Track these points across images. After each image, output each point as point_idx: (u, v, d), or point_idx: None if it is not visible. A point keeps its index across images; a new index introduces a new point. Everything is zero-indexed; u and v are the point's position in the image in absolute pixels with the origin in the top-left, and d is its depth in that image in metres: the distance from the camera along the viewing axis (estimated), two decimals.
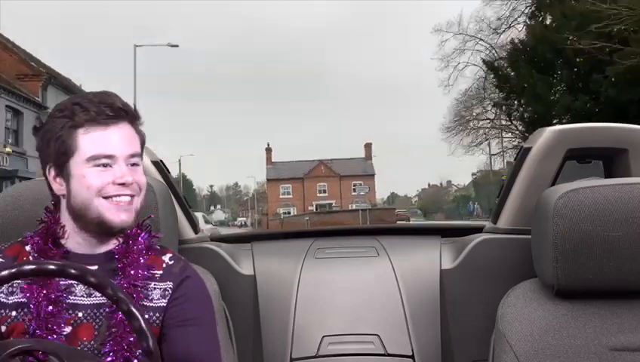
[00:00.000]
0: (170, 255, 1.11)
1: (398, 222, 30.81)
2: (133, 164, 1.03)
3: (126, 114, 1.03)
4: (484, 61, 18.70)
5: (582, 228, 1.07)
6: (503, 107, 18.72)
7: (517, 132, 19.09)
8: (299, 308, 1.48)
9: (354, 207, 35.80)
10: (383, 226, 3.81)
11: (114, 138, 1.00)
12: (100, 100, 1.01)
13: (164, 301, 1.04)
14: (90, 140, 0.99)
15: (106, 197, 0.99)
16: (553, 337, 1.08)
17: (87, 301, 1.01)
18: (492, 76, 18.17)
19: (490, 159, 26.34)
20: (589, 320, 1.10)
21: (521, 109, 17.35)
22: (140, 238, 1.07)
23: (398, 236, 1.80)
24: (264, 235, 1.99)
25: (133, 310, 0.84)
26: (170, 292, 1.05)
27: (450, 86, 21.49)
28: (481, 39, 21.34)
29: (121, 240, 1.06)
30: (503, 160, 23.91)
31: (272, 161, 54.96)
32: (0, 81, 16.88)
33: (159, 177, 1.46)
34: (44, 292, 0.99)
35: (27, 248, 1.05)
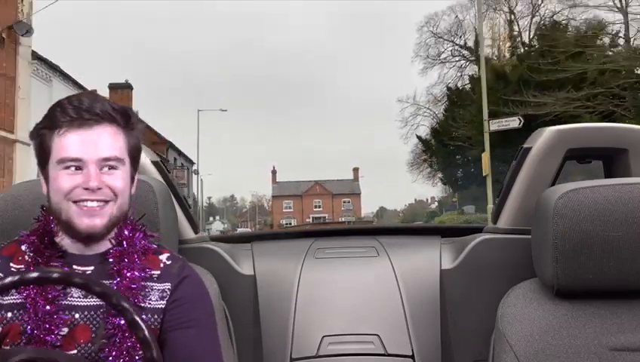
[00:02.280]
0: (168, 254, 1.09)
1: None
2: (110, 168, 1.00)
3: (106, 117, 1.00)
4: (417, 136, 31.01)
5: (582, 228, 1.07)
6: (429, 161, 31.13)
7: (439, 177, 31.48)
8: (299, 308, 1.48)
9: (342, 219, 47.11)
10: (383, 226, 3.96)
11: (85, 141, 0.98)
12: (79, 103, 0.99)
13: (163, 302, 1.03)
14: (62, 143, 0.98)
15: (75, 201, 0.98)
16: (553, 337, 1.08)
17: (83, 302, 1.00)
18: (421, 144, 30.55)
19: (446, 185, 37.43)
20: (589, 320, 1.09)
21: (436, 165, 29.81)
22: (135, 239, 1.05)
23: (398, 236, 1.80)
24: (264, 235, 2.00)
25: (138, 320, 0.83)
26: (169, 293, 1.04)
27: (407, 139, 31.47)
28: (428, 108, 33.36)
29: (114, 241, 1.04)
30: (445, 190, 36.04)
31: (277, 181, 66.74)
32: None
33: (159, 177, 1.45)
34: (42, 292, 0.97)
35: (23, 247, 1.03)
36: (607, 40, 17.80)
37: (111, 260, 1.03)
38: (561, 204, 1.09)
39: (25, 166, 13.17)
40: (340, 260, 1.58)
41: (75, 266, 1.02)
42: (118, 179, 1.01)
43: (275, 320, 1.47)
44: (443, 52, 30.15)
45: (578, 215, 1.08)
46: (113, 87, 28.39)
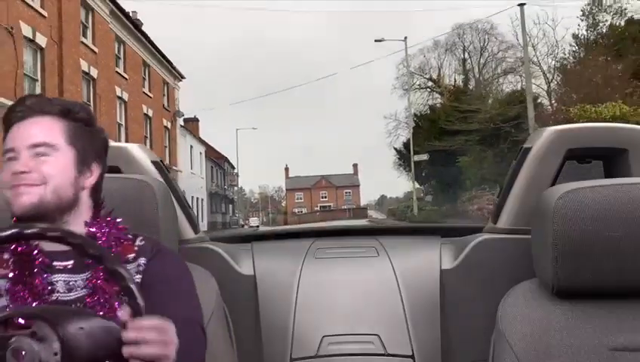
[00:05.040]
0: (141, 237, 1.12)
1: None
2: (40, 155, 1.04)
3: (38, 110, 1.06)
4: (394, 147, 43.56)
5: (582, 228, 1.06)
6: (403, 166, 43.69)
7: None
8: (299, 308, 1.48)
9: (344, 206, 60.81)
10: (383, 226, 3.85)
11: (18, 131, 1.05)
12: (22, 102, 1.08)
13: (139, 276, 1.05)
14: (6, 137, 1.06)
15: (12, 188, 1.02)
16: (553, 337, 1.07)
17: (70, 296, 1.02)
18: (396, 152, 43.17)
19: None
20: (589, 320, 1.09)
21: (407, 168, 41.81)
22: (104, 231, 1.08)
23: (398, 236, 1.80)
24: (264, 235, 2.00)
25: (132, 287, 0.83)
26: (144, 266, 1.07)
27: (391, 147, 37.78)
28: (406, 123, 45.01)
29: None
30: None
31: (289, 176, 79.68)
32: (212, 158, 42.09)
33: (159, 177, 1.45)
34: (30, 288, 0.99)
35: (5, 256, 1.04)
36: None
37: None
38: (561, 204, 1.08)
39: (180, 187, 26.94)
40: (339, 260, 1.58)
41: (55, 262, 1.04)
42: (49, 164, 1.04)
43: (275, 320, 1.47)
44: (414, 83, 38.41)
45: (578, 215, 1.07)
46: (186, 120, 41.25)
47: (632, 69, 19.06)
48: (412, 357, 1.41)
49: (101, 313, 0.98)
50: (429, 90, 41.13)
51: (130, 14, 22.34)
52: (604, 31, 23.05)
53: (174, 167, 26.82)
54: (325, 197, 77.30)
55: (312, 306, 1.48)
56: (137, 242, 1.11)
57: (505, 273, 1.39)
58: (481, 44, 37.58)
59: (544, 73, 26.19)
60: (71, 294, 1.02)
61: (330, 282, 1.52)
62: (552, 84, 25.35)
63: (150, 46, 24.19)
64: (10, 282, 1.00)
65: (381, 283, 1.51)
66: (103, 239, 1.07)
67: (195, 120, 41.71)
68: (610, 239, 1.06)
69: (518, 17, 18.51)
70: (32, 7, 14.54)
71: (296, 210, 73.96)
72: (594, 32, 23.66)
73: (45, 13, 15.14)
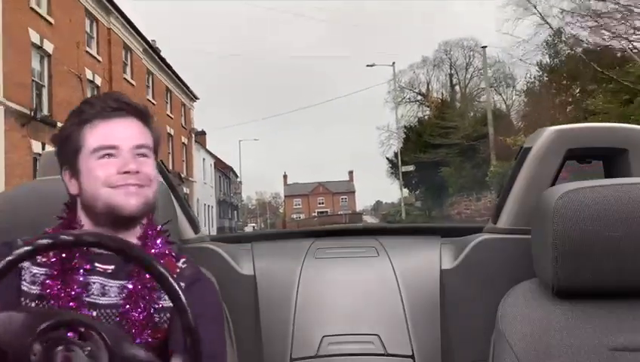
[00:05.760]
0: (184, 259, 1.11)
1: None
2: (141, 155, 1.03)
3: (132, 109, 1.05)
4: (386, 157, 47.00)
5: (582, 228, 1.06)
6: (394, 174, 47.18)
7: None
8: (299, 308, 1.48)
9: (341, 212, 63.76)
10: (382, 226, 4.01)
11: (117, 129, 1.02)
12: (105, 97, 1.04)
13: None
14: (94, 133, 1.02)
15: (113, 187, 1.00)
16: (553, 337, 1.08)
17: (102, 300, 1.01)
18: (388, 162, 46.58)
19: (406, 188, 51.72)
20: (589, 320, 1.09)
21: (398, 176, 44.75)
22: (157, 242, 1.07)
23: (398, 236, 1.81)
24: (264, 235, 2.00)
25: (175, 287, 0.82)
26: None
27: (383, 155, 41.37)
28: (397, 133, 47.24)
29: (139, 242, 1.06)
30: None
31: (288, 183, 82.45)
32: (219, 168, 43.97)
33: (159, 177, 1.43)
34: (67, 289, 0.98)
35: None
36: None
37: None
38: (561, 204, 1.09)
39: (195, 195, 30.01)
40: (339, 260, 1.59)
41: (97, 264, 1.03)
42: (151, 166, 1.05)
43: (275, 321, 1.48)
44: (404, 97, 41.77)
45: (578, 215, 1.07)
46: (195, 133, 45.21)
47: (567, 99, 22.36)
48: (412, 357, 1.42)
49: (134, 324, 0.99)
50: (418, 103, 44.33)
51: (150, 42, 25.79)
52: (564, 59, 26.69)
53: (190, 178, 30.40)
54: (322, 203, 78.98)
55: (312, 306, 1.49)
56: (180, 264, 1.10)
57: (505, 273, 1.39)
58: (467, 60, 40.86)
59: (504, 101, 30.11)
60: (103, 299, 1.01)
61: (330, 282, 1.53)
62: (511, 110, 29.35)
63: (171, 73, 27.78)
64: (49, 274, 1.00)
65: (381, 283, 1.51)
66: (157, 248, 1.07)
67: (203, 133, 45.09)
68: (610, 239, 1.06)
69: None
70: (92, 56, 18.35)
71: (294, 216, 75.91)
72: (555, 59, 27.36)
73: (100, 59, 18.94)
